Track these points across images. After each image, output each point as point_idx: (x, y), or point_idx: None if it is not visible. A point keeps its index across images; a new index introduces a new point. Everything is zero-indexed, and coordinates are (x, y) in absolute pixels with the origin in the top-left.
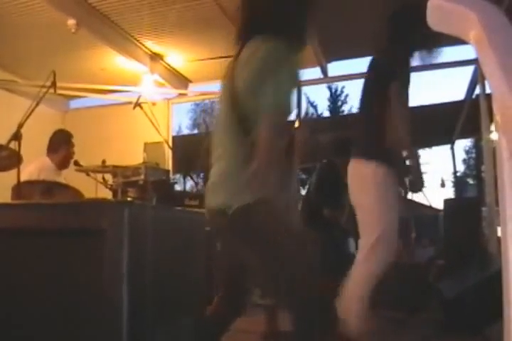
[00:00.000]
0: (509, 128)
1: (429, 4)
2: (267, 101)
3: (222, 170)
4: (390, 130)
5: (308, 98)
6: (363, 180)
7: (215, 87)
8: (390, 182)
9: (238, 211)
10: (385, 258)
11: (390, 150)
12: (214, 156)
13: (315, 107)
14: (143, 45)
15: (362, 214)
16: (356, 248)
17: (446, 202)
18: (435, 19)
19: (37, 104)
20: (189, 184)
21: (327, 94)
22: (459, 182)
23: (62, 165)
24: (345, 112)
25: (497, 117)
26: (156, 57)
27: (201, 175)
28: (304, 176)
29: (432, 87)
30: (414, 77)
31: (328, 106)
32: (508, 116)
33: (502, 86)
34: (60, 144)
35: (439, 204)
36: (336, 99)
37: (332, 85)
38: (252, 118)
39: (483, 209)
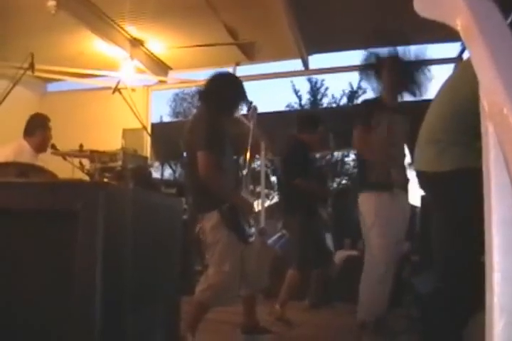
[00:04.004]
0: (495, 113)
1: None
2: None
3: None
4: None
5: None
6: None
7: (196, 74)
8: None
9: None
10: None
11: None
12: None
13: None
14: (123, 29)
15: None
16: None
17: (424, 198)
18: (422, 4)
19: (14, 86)
20: (167, 172)
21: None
22: None
23: (39, 148)
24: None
25: (483, 103)
26: (136, 42)
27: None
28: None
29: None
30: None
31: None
32: (495, 102)
33: (490, 72)
34: (37, 128)
35: (415, 201)
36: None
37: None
38: None
39: None
